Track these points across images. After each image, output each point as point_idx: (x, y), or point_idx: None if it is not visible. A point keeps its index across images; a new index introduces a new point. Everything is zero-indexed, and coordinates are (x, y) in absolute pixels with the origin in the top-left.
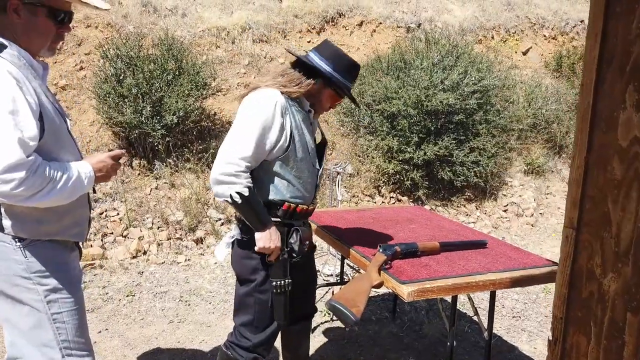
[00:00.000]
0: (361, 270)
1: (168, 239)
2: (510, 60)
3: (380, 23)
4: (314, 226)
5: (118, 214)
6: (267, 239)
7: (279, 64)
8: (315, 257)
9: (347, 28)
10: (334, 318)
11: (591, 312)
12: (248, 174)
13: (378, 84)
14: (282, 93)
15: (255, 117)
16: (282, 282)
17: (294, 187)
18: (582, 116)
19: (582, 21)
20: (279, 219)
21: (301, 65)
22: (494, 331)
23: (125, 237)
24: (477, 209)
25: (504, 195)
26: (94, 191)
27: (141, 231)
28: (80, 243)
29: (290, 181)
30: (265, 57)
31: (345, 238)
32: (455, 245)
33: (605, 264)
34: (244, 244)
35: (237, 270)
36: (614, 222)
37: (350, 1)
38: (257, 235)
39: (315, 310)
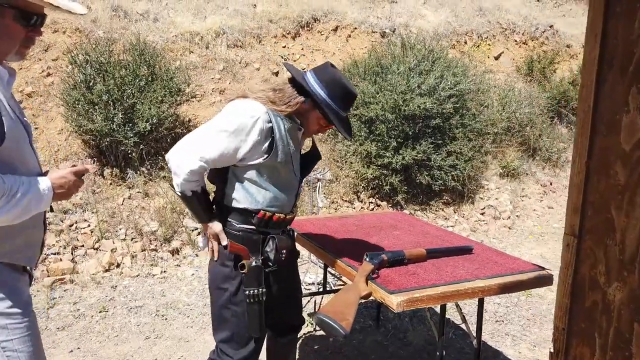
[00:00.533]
0: (344, 279)
1: (142, 251)
2: (483, 64)
3: (355, 28)
4: (297, 236)
5: (89, 225)
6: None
7: (267, 78)
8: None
9: (322, 33)
10: (317, 328)
11: (595, 322)
12: (202, 174)
13: (355, 88)
14: (269, 108)
15: (232, 124)
16: (256, 291)
17: (272, 196)
18: (582, 119)
19: (551, 26)
20: (253, 227)
21: (295, 82)
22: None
23: (97, 249)
24: (455, 212)
25: (481, 198)
26: (52, 209)
27: (114, 243)
28: (30, 268)
29: (267, 189)
30: (240, 63)
31: (329, 247)
32: (442, 252)
33: (610, 272)
34: (218, 251)
35: (210, 278)
36: (618, 229)
37: (325, 6)
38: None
39: (303, 321)
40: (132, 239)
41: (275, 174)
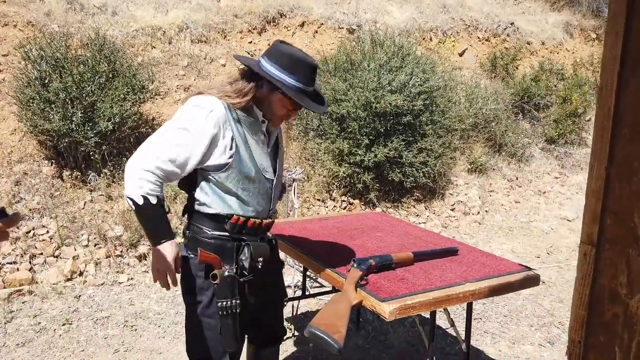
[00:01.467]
0: (321, 280)
1: (107, 257)
2: (449, 61)
3: (322, 24)
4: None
5: (48, 231)
6: (155, 259)
7: (233, 74)
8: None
9: (288, 29)
10: (296, 333)
11: (616, 336)
12: (160, 180)
13: (326, 85)
14: (226, 103)
15: (185, 119)
16: (229, 302)
17: (244, 199)
18: (601, 122)
19: (512, 23)
20: (227, 233)
21: (249, 72)
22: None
23: (57, 257)
24: (426, 209)
25: (451, 194)
26: (4, 214)
27: (76, 250)
28: None
29: (238, 192)
30: (205, 58)
31: (312, 252)
32: (428, 255)
33: (632, 283)
34: (189, 261)
35: (183, 290)
36: None
37: (290, 1)
38: (161, 247)
39: (285, 332)
40: (96, 244)
41: (243, 177)
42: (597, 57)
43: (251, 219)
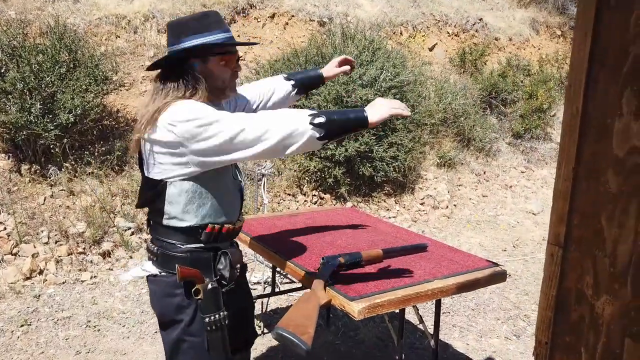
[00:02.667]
0: (293, 278)
1: (69, 254)
2: (419, 56)
3: (293, 16)
4: (247, 238)
5: (5, 228)
6: (387, 107)
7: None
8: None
9: (258, 20)
10: (265, 331)
11: (582, 337)
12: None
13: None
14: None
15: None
16: (216, 316)
17: (217, 206)
18: (568, 122)
19: (480, 19)
20: (202, 245)
21: (170, 69)
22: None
23: (15, 255)
24: (396, 203)
25: (420, 188)
26: None
27: (35, 247)
28: None
29: (211, 199)
30: None
31: (282, 250)
32: (398, 251)
33: (599, 285)
34: (160, 281)
35: (158, 312)
36: (608, 240)
37: None
38: (372, 114)
39: (256, 336)
40: (57, 241)
41: (217, 180)
42: (562, 54)
43: (225, 225)
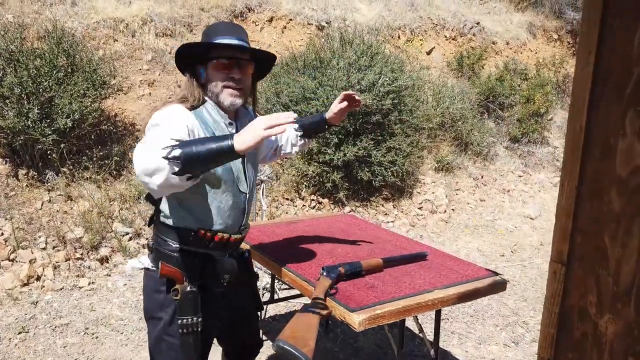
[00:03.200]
0: (291, 284)
1: (66, 260)
2: (417, 60)
3: (291, 19)
4: (246, 246)
5: (2, 233)
6: (258, 129)
7: None
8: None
9: (257, 24)
10: (264, 338)
11: (585, 355)
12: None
13: (295, 83)
14: (187, 105)
15: (155, 123)
16: (190, 320)
17: (213, 213)
18: (572, 140)
19: (478, 23)
20: (192, 247)
21: (189, 72)
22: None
23: (12, 261)
24: (394, 207)
25: (418, 193)
26: None
27: (33, 253)
28: None
29: (206, 205)
30: (170, 53)
31: (282, 259)
32: (398, 260)
33: (602, 303)
34: (152, 275)
35: (144, 305)
36: (612, 259)
37: None
38: (238, 141)
39: (261, 344)
40: (54, 247)
41: (214, 186)
42: (559, 58)
43: (219, 234)
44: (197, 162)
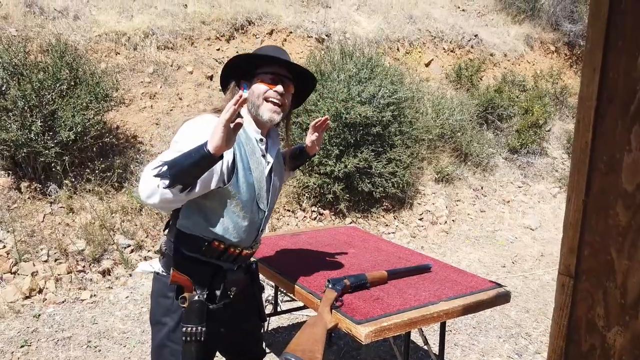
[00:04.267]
0: (296, 297)
1: (68, 273)
2: (416, 72)
3: (291, 32)
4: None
5: (4, 246)
6: (217, 125)
7: (201, 82)
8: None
9: (257, 36)
10: (268, 350)
11: None
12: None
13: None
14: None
15: (179, 138)
16: (194, 329)
17: (229, 226)
18: (578, 156)
19: (476, 35)
20: (204, 257)
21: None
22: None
23: (14, 274)
24: (395, 219)
25: (419, 204)
26: None
27: (34, 265)
28: None
29: (223, 218)
30: (172, 65)
31: (286, 271)
32: (402, 273)
33: (610, 316)
34: (161, 280)
35: (151, 309)
36: (618, 272)
37: (259, 9)
38: (209, 140)
39: (264, 354)
40: (56, 260)
41: (234, 203)
42: (556, 69)
43: (232, 247)
44: (183, 173)
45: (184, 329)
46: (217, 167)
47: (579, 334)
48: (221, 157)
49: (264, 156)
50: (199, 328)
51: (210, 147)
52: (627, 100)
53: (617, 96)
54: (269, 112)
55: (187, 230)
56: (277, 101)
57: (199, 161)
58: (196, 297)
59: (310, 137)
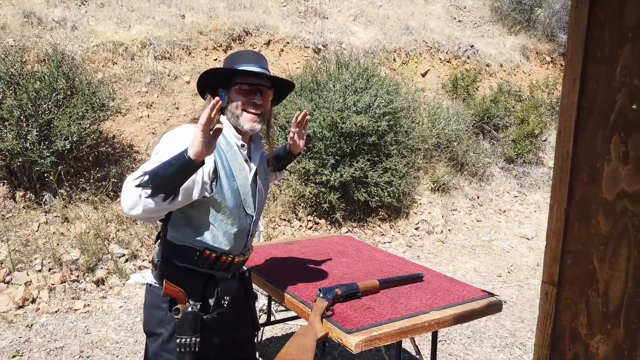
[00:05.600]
0: (288, 306)
1: (62, 282)
2: (412, 82)
3: (288, 43)
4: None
5: None
6: (195, 132)
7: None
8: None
9: (254, 47)
10: None
11: None
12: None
13: (292, 105)
14: None
15: (160, 149)
16: (188, 340)
17: (219, 234)
18: (560, 165)
19: (472, 46)
20: (196, 267)
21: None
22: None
23: (8, 283)
24: (391, 228)
25: (415, 213)
26: None
27: (28, 275)
28: None
29: (211, 228)
30: (169, 75)
31: (279, 280)
32: (394, 282)
33: (592, 324)
34: (154, 291)
35: (144, 320)
36: (600, 280)
37: (256, 20)
38: (189, 148)
39: None
40: (50, 269)
41: (222, 210)
42: (552, 80)
43: (223, 256)
44: (164, 181)
45: (178, 340)
46: (198, 177)
47: (563, 343)
48: (202, 162)
49: (247, 161)
50: (193, 339)
51: (191, 153)
52: (607, 111)
53: (597, 106)
54: (249, 122)
55: (177, 242)
56: (256, 111)
57: (180, 168)
58: (190, 309)
59: (291, 134)
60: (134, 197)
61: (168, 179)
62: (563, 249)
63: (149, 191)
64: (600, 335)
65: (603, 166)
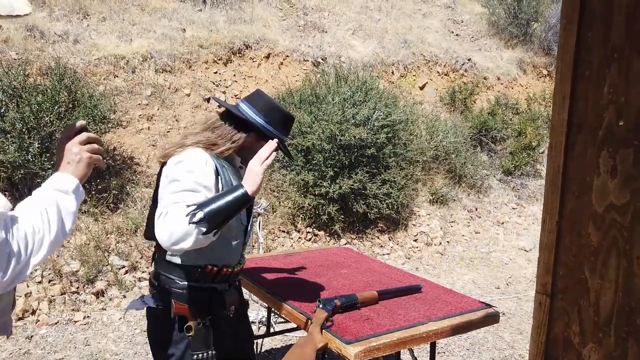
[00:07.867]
0: (287, 317)
1: (62, 294)
2: (410, 95)
3: (287, 56)
4: (242, 278)
5: None
6: (258, 166)
7: (209, 114)
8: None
9: (254, 60)
10: None
11: None
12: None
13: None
14: (213, 153)
15: (193, 179)
16: (205, 354)
17: (219, 248)
18: (551, 179)
19: (469, 59)
20: (199, 283)
21: (231, 116)
22: None
23: None
24: (390, 240)
25: (414, 225)
26: None
27: (28, 287)
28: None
29: (214, 243)
30: (169, 88)
31: (278, 292)
32: (393, 293)
33: (584, 333)
34: (158, 313)
35: (152, 343)
36: (592, 290)
37: (256, 33)
38: (249, 186)
39: None
40: (50, 281)
41: (227, 226)
42: (548, 93)
43: (224, 268)
44: (220, 217)
45: (195, 356)
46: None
47: (557, 352)
48: (253, 199)
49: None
50: (209, 352)
51: (250, 190)
52: (595, 127)
53: (586, 123)
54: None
55: (179, 261)
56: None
57: (237, 204)
58: (201, 325)
59: None
60: (183, 232)
61: (225, 215)
62: (555, 260)
63: (204, 228)
64: (592, 344)
65: (593, 180)
